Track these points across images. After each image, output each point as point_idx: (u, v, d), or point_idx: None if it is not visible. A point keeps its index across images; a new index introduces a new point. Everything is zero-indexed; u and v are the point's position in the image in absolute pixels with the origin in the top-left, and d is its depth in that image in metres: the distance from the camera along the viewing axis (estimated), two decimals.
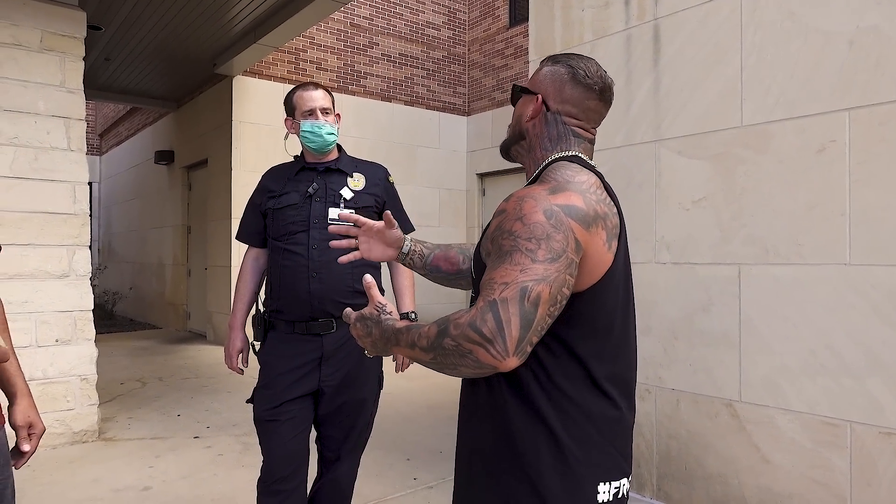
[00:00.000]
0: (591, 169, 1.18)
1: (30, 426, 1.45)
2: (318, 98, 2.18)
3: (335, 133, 2.18)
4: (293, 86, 8.26)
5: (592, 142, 1.25)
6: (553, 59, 1.25)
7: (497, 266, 1.03)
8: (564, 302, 1.03)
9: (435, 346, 1.02)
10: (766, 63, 2.66)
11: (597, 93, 1.21)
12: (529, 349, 0.99)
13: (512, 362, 0.97)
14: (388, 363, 2.24)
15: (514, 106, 1.31)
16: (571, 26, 3.44)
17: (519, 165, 1.32)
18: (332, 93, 2.27)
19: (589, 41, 3.35)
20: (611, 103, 1.26)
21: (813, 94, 2.51)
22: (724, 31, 2.80)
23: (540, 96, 1.22)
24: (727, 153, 2.78)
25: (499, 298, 0.98)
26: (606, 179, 1.23)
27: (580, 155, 1.21)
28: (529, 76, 1.31)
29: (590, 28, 3.35)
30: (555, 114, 1.21)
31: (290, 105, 2.23)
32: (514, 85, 1.29)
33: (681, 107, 2.95)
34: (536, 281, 0.98)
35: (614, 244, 1.11)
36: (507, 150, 1.31)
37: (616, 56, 3.22)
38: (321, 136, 2.15)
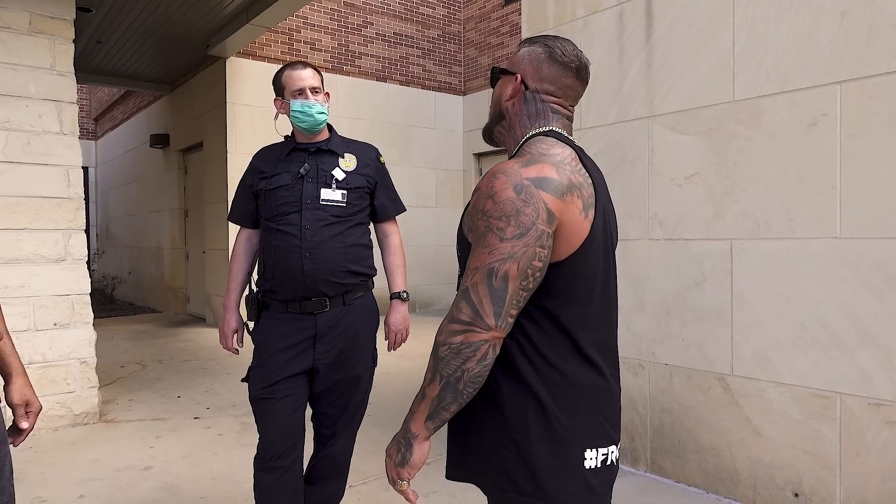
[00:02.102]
0: (569, 143, 1.20)
1: (27, 404, 1.47)
2: (306, 77, 2.17)
3: (326, 112, 2.17)
4: None
5: (570, 119, 1.28)
6: (530, 41, 1.28)
7: (473, 251, 1.09)
8: (540, 274, 1.07)
9: (435, 367, 1.06)
10: (757, 37, 2.64)
11: (573, 70, 1.24)
12: (511, 320, 1.06)
13: (498, 333, 1.04)
14: (380, 343, 2.26)
15: (493, 89, 1.32)
16: (564, 2, 3.42)
17: None
18: (325, 73, 2.26)
19: (581, 17, 3.32)
20: (587, 82, 1.28)
21: (804, 68, 2.50)
22: (716, 5, 2.78)
23: (519, 75, 1.24)
24: (719, 128, 2.77)
25: (469, 285, 1.05)
26: (599, 157, 1.26)
27: (556, 129, 1.22)
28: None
29: (582, 4, 3.32)
30: (533, 92, 1.24)
31: (278, 85, 2.22)
32: (492, 67, 1.32)
33: (673, 82, 2.94)
34: (502, 260, 1.04)
35: (591, 213, 1.13)
36: (489, 134, 1.33)
37: (608, 31, 3.20)
38: (312, 115, 2.14)
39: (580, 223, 1.10)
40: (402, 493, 1.16)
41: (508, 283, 1.03)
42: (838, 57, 2.41)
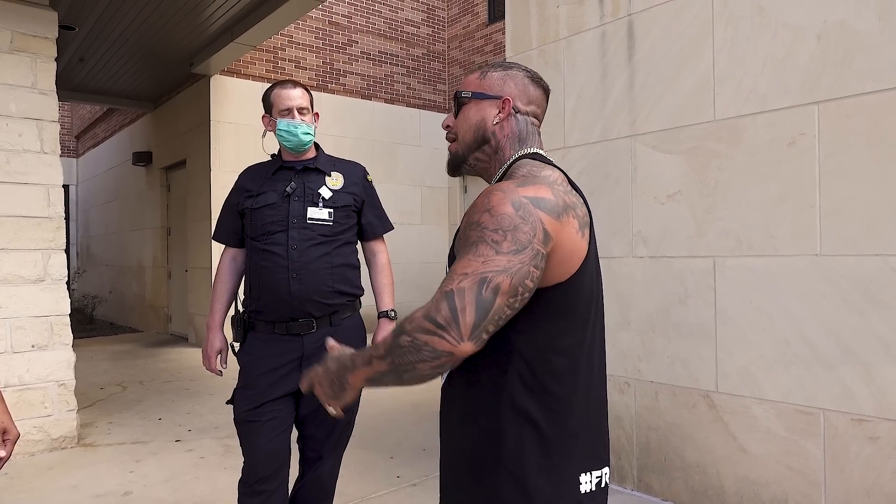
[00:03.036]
0: (553, 164, 1.21)
1: (4, 431, 1.43)
2: (295, 97, 2.16)
3: (311, 133, 2.17)
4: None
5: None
6: (500, 66, 1.28)
7: (461, 257, 1.04)
8: (528, 294, 1.03)
9: (391, 349, 1.02)
10: (737, 58, 2.69)
11: (547, 96, 1.30)
12: (486, 337, 1.00)
13: (467, 347, 0.97)
14: None
15: (456, 115, 1.30)
16: (547, 22, 3.46)
17: None
18: (312, 91, 2.26)
19: (564, 37, 3.37)
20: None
21: (783, 88, 2.55)
22: (696, 26, 2.83)
23: (510, 98, 1.23)
24: (701, 147, 2.81)
25: (455, 288, 0.99)
26: (582, 175, 1.28)
27: (539, 151, 1.24)
28: (464, 85, 1.30)
29: (565, 24, 3.37)
30: (525, 115, 1.25)
31: (267, 102, 2.22)
32: (458, 92, 1.29)
33: (655, 102, 2.98)
34: (497, 272, 0.99)
35: (586, 232, 1.13)
36: (463, 160, 1.30)
37: (591, 52, 3.24)
38: (297, 135, 2.13)
39: (577, 242, 1.10)
40: (329, 412, 1.17)
41: (497, 297, 0.98)
42: (815, 78, 2.46)
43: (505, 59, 1.32)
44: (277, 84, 2.22)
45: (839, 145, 2.39)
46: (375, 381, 1.07)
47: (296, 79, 8.09)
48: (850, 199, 2.36)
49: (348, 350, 1.15)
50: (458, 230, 1.17)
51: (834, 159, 2.41)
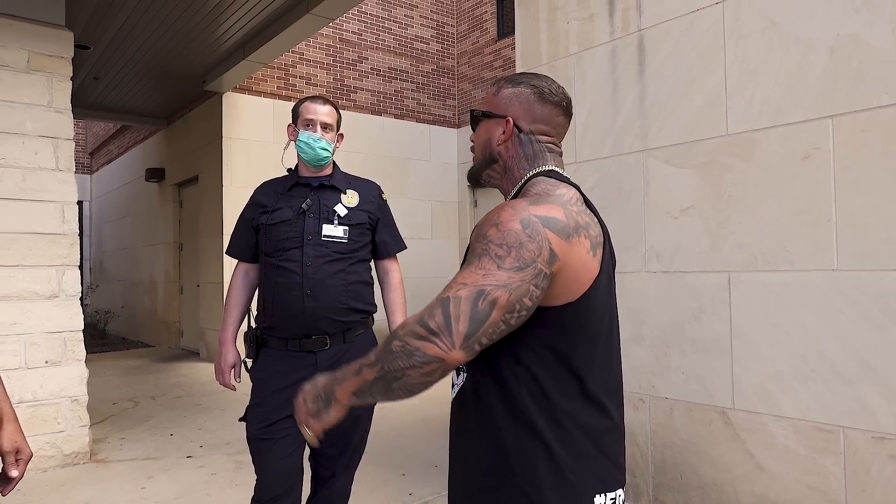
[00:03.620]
0: (569, 182, 1.20)
1: (17, 451, 1.43)
2: (320, 112, 2.18)
3: (329, 149, 2.17)
4: (283, 102, 8.29)
5: (561, 154, 1.28)
6: (512, 81, 1.26)
7: (464, 268, 1.04)
8: (526, 313, 1.03)
9: (382, 354, 1.01)
10: (749, 72, 2.68)
11: (563, 108, 1.25)
12: (478, 348, 0.99)
13: (457, 355, 0.97)
14: None
15: (474, 130, 1.30)
16: (557, 38, 3.47)
17: None
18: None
19: (574, 53, 3.37)
20: (571, 116, 1.29)
21: (796, 102, 2.54)
22: (707, 41, 2.83)
23: (511, 119, 1.22)
24: (713, 161, 2.80)
25: (452, 296, 0.99)
26: (594, 190, 1.26)
27: (556, 169, 1.22)
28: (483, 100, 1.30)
29: (575, 40, 3.38)
30: (528, 134, 1.23)
31: (295, 112, 2.24)
32: (472, 110, 1.29)
33: (666, 116, 2.98)
34: (496, 286, 0.99)
35: (599, 252, 1.12)
36: (477, 177, 1.31)
37: (602, 67, 3.25)
38: (314, 149, 2.14)
39: (588, 262, 1.09)
40: (304, 434, 1.13)
41: (493, 311, 0.98)
42: (829, 91, 2.44)
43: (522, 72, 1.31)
44: (309, 98, 2.24)
45: (854, 159, 2.37)
46: (363, 393, 1.04)
47: (306, 96, 8.17)
48: (866, 214, 2.34)
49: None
50: (466, 250, 1.17)
51: (849, 173, 2.38)
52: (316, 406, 1.09)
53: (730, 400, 2.72)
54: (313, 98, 2.23)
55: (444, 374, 1.00)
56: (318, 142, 2.14)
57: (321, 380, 1.12)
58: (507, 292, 0.99)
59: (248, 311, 2.31)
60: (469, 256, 1.06)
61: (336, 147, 2.22)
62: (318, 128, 2.15)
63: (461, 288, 0.99)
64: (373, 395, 1.03)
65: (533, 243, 1.02)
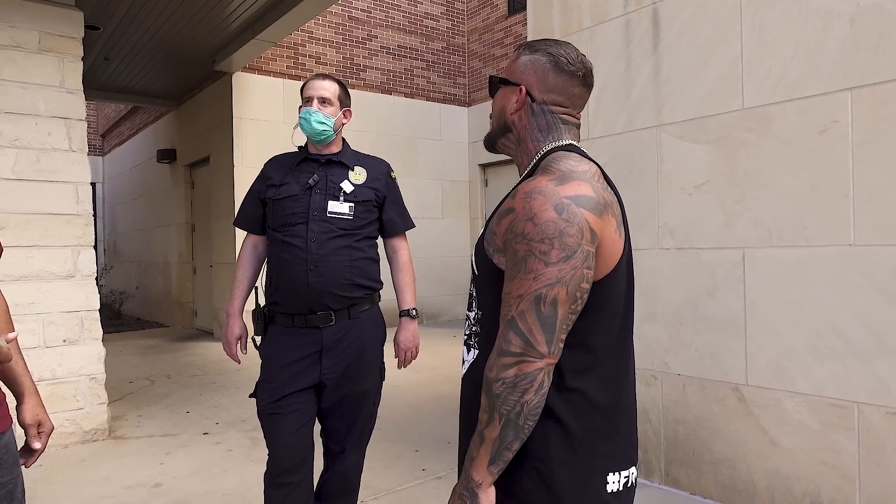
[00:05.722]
0: (590, 158, 1.17)
1: (39, 424, 1.46)
2: (317, 87, 2.18)
3: (326, 123, 2.15)
4: (292, 81, 8.26)
5: (579, 126, 1.23)
6: (530, 48, 1.22)
7: (513, 277, 1.03)
8: (586, 295, 1.03)
9: (491, 407, 1.01)
10: (766, 44, 2.63)
11: (580, 78, 1.19)
12: (562, 345, 1.02)
13: (551, 359, 1.00)
14: (388, 356, 2.25)
15: (492, 97, 1.27)
16: (569, 13, 3.42)
17: None
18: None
19: (588, 27, 3.32)
20: (592, 87, 1.23)
21: (814, 75, 2.49)
22: (723, 13, 2.78)
23: (523, 87, 1.19)
24: (729, 136, 2.76)
25: (516, 314, 1.00)
26: (607, 166, 1.23)
27: (575, 143, 1.19)
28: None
29: (588, 14, 3.33)
30: (541, 104, 1.19)
31: (301, 92, 2.26)
32: (490, 76, 1.25)
33: (681, 91, 2.94)
34: (550, 285, 0.99)
35: (622, 231, 1.10)
36: (492, 143, 1.28)
37: (615, 41, 3.20)
38: (310, 122, 2.14)
39: (616, 241, 1.07)
40: None
41: (558, 309, 0.99)
42: (848, 63, 2.39)
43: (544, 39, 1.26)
44: (312, 76, 2.25)
45: (873, 133, 2.33)
46: (498, 454, 1.02)
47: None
48: (884, 188, 2.30)
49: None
50: (487, 223, 1.15)
51: (867, 147, 2.34)
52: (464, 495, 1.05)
53: (743, 376, 2.72)
54: (314, 75, 2.24)
55: (550, 379, 1.02)
56: (314, 115, 2.14)
57: (457, 484, 1.09)
58: (563, 287, 0.99)
59: (255, 283, 2.33)
60: (513, 263, 1.03)
61: (343, 122, 2.21)
62: (315, 102, 2.16)
63: (519, 302, 1.00)
64: (508, 447, 1.02)
65: (573, 227, 1.00)
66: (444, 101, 9.73)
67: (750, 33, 2.68)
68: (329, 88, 2.18)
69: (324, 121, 2.15)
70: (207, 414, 4.59)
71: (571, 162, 1.11)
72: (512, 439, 1.01)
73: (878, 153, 2.32)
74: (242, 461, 3.57)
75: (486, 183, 9.79)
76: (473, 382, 1.19)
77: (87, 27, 5.63)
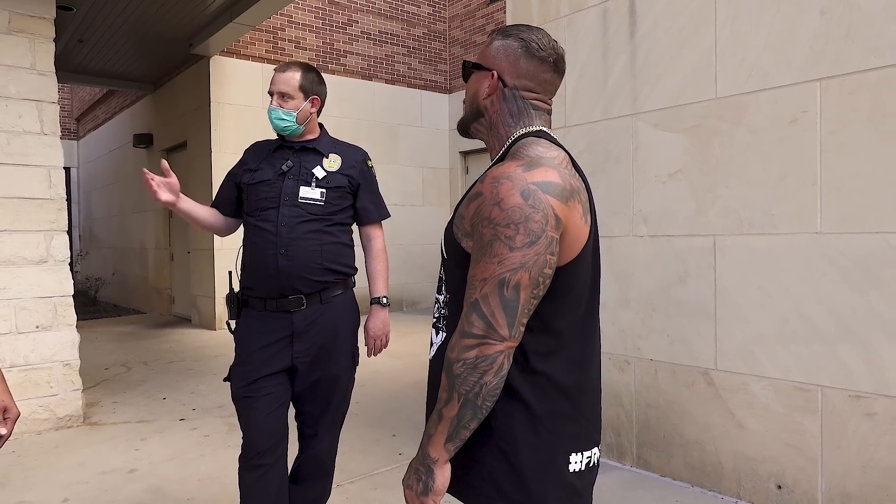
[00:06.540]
0: (559, 145, 1.18)
1: (4, 410, 1.45)
2: (276, 81, 2.17)
3: (287, 119, 2.14)
4: (271, 66, 8.15)
5: (550, 112, 1.25)
6: (503, 33, 1.22)
7: (478, 261, 1.04)
8: (549, 281, 1.05)
9: (451, 386, 1.03)
10: (739, 35, 2.67)
11: (551, 64, 1.20)
12: (522, 329, 1.04)
13: (512, 342, 1.03)
14: (362, 341, 2.27)
15: (466, 82, 1.28)
16: (548, 0, 3.43)
17: None
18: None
19: (566, 14, 3.33)
20: (563, 73, 1.24)
21: (785, 65, 2.53)
22: (698, 2, 2.80)
23: (495, 73, 1.20)
24: (702, 125, 2.80)
25: (479, 297, 1.02)
26: (584, 155, 1.24)
27: (545, 129, 1.20)
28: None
29: (566, 1, 3.34)
30: (512, 89, 1.20)
31: None
32: (464, 61, 1.26)
33: (656, 80, 2.96)
34: (513, 270, 1.01)
35: (589, 218, 1.12)
36: (465, 128, 1.29)
37: (593, 29, 3.21)
38: (272, 120, 2.17)
39: (581, 228, 1.09)
40: None
41: (520, 293, 1.01)
42: (818, 54, 2.44)
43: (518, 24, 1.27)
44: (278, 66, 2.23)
45: (841, 123, 2.38)
46: (456, 432, 1.04)
47: (296, 59, 8.04)
48: (851, 177, 2.36)
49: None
50: (456, 208, 1.16)
51: (835, 137, 2.39)
52: (420, 483, 1.07)
53: (713, 361, 2.78)
54: (279, 67, 2.22)
55: (510, 361, 1.04)
56: (273, 112, 2.16)
57: (414, 459, 1.11)
58: (525, 272, 1.01)
59: (204, 217, 2.31)
60: (479, 246, 1.05)
61: (311, 111, 2.19)
62: (275, 98, 2.15)
63: (483, 285, 1.02)
64: (466, 426, 1.04)
65: (538, 213, 1.02)
66: (425, 87, 9.69)
67: (724, 23, 2.72)
68: (289, 82, 2.15)
69: (284, 117, 2.15)
70: (184, 400, 4.57)
71: (540, 148, 1.13)
72: (469, 419, 1.04)
73: (846, 143, 2.37)
74: (219, 446, 3.58)
75: (466, 170, 9.80)
76: (441, 364, 1.21)
77: (60, 7, 5.51)
